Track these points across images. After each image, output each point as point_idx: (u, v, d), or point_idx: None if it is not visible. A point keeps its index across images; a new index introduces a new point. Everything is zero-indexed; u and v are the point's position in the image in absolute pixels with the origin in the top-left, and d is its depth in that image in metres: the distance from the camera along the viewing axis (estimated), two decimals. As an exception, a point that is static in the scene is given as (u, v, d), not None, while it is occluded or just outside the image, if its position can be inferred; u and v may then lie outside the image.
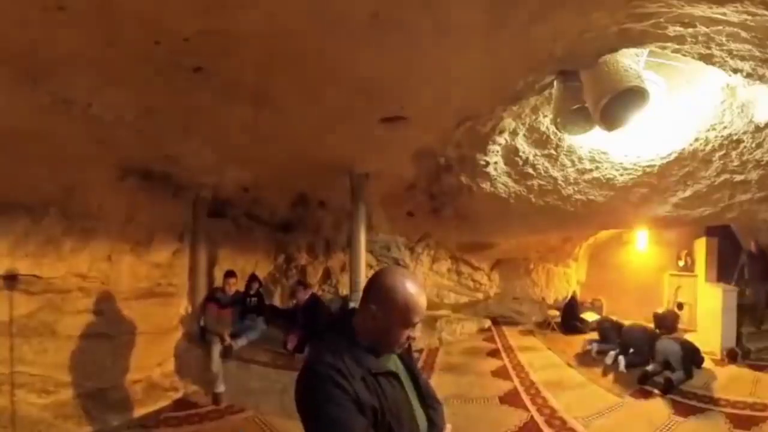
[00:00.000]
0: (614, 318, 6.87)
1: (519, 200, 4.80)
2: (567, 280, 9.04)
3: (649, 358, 5.08)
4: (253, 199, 6.17)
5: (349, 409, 1.09)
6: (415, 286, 1.23)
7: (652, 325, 5.97)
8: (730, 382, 4.70)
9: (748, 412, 3.90)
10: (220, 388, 4.69)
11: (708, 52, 2.32)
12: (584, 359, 5.86)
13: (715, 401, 4.14)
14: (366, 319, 1.23)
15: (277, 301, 6.75)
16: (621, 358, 5.32)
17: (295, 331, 5.02)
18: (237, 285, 5.44)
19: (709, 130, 3.50)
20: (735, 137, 3.43)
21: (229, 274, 5.36)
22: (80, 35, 2.10)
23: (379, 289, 1.23)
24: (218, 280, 5.67)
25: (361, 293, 1.29)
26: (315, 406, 1.11)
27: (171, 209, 5.20)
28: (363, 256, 5.04)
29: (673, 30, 2.17)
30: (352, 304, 4.38)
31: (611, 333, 6.13)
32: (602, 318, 7.39)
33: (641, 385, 4.61)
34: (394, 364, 1.32)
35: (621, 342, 5.73)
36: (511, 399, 4.47)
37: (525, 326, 8.06)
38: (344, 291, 6.27)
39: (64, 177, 3.86)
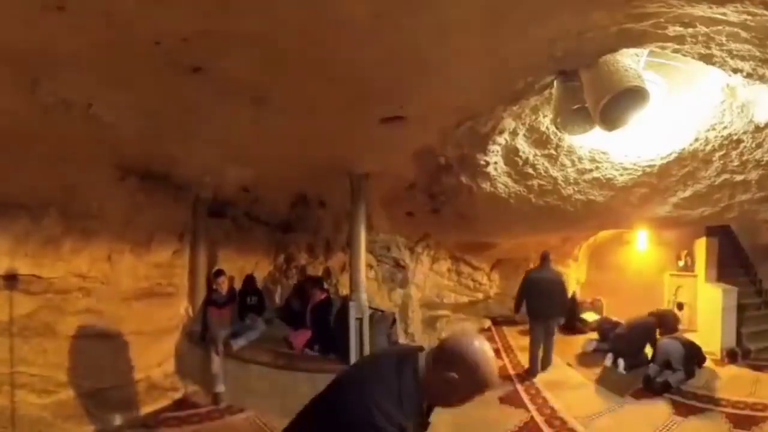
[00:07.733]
0: (614, 318, 6.87)
1: (519, 200, 4.79)
2: (567, 280, 9.03)
3: (649, 359, 5.07)
4: (253, 199, 6.17)
5: None
6: (494, 368, 1.32)
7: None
8: (730, 382, 4.70)
9: (748, 412, 3.90)
10: (220, 388, 4.69)
11: (708, 52, 2.32)
12: (584, 359, 5.86)
13: (715, 401, 4.14)
14: (440, 382, 1.29)
15: (277, 301, 6.74)
16: (621, 359, 5.32)
17: (302, 330, 5.06)
18: (227, 282, 5.45)
19: (709, 130, 3.49)
20: (735, 137, 3.42)
21: (217, 273, 5.37)
22: (80, 35, 2.10)
23: (464, 360, 1.29)
24: (218, 280, 5.67)
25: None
26: None
27: (171, 209, 5.19)
28: (363, 256, 5.03)
29: (673, 30, 2.16)
30: (352, 304, 4.39)
31: (611, 333, 6.12)
32: (602, 318, 7.39)
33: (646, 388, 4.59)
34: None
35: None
36: (511, 399, 4.47)
37: (525, 326, 8.04)
38: (344, 291, 6.26)
39: (64, 177, 3.85)
